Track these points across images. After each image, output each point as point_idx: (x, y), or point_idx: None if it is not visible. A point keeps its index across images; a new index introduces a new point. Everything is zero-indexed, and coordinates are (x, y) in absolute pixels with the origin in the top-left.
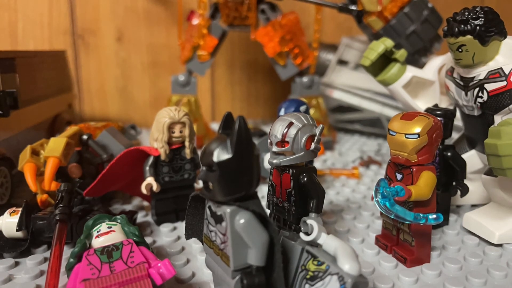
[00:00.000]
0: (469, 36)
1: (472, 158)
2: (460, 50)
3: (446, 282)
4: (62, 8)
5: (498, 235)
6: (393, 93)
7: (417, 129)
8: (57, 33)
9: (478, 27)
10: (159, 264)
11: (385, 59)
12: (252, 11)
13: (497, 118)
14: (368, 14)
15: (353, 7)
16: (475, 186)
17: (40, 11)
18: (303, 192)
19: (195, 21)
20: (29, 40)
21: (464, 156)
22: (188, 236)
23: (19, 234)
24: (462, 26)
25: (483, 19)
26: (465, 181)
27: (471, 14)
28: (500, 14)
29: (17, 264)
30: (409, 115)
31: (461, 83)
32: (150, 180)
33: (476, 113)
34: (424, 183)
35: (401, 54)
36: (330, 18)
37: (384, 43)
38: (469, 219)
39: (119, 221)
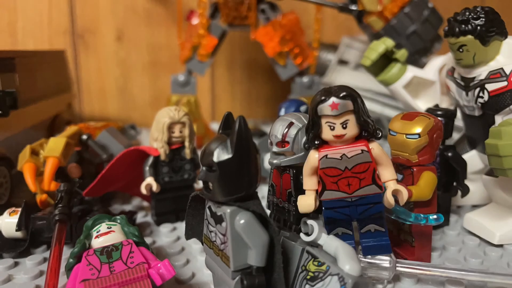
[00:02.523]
0: (470, 36)
1: (473, 159)
2: (461, 50)
3: (447, 282)
4: (62, 8)
5: (499, 235)
6: (394, 93)
7: (418, 129)
8: (57, 33)
9: (479, 27)
10: (159, 265)
11: (386, 59)
12: (252, 11)
13: (498, 118)
14: (368, 14)
15: (353, 7)
16: (476, 186)
17: (40, 11)
18: (303, 193)
19: (195, 20)
20: (29, 40)
21: (465, 156)
22: (188, 236)
23: (19, 234)
24: (463, 26)
25: (484, 19)
26: (466, 182)
27: (472, 14)
28: (501, 14)
29: (16, 264)
30: (409, 115)
31: (462, 83)
32: (149, 180)
33: (477, 113)
34: (425, 184)
35: (401, 54)
36: (331, 18)
37: (385, 43)
38: (470, 220)
39: (118, 221)
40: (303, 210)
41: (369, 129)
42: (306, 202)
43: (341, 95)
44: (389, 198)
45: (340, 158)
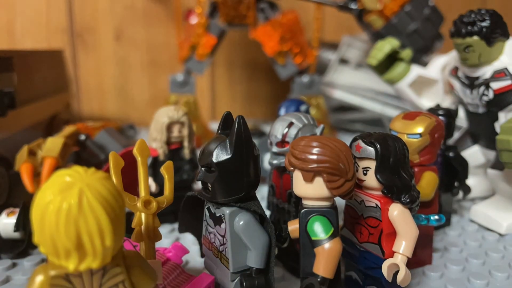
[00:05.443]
0: (476, 37)
1: (476, 153)
2: (467, 50)
3: (448, 284)
4: (60, 7)
5: (506, 225)
6: (399, 91)
7: (419, 129)
8: (55, 32)
9: (484, 29)
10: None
11: (390, 58)
12: (251, 10)
13: (501, 115)
14: (368, 13)
15: (353, 6)
16: (478, 179)
17: (38, 10)
18: None
19: (194, 20)
20: (27, 39)
21: (467, 151)
22: (181, 230)
23: (17, 235)
24: (469, 27)
25: (489, 21)
26: (469, 175)
27: (477, 16)
28: (502, 14)
29: (14, 265)
30: (411, 114)
31: (466, 82)
32: (148, 180)
33: (480, 110)
34: (426, 184)
35: (406, 53)
36: (331, 17)
37: (391, 43)
38: (477, 212)
39: None
40: None
41: (391, 189)
42: None
43: (368, 140)
44: (383, 268)
45: (359, 202)
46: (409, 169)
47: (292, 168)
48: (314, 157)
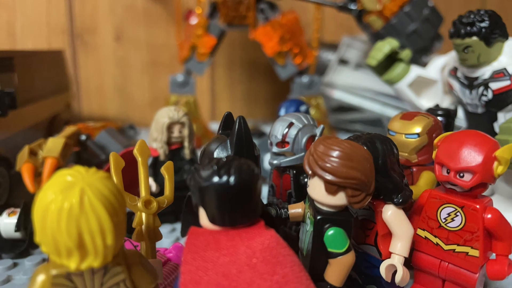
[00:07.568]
0: (475, 38)
1: None
2: (466, 51)
3: None
4: (61, 7)
5: None
6: (399, 92)
7: (417, 129)
8: (55, 32)
9: (483, 29)
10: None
11: (389, 59)
12: (251, 11)
13: (500, 115)
14: (368, 13)
15: (352, 6)
16: None
17: (39, 10)
18: (303, 193)
19: (194, 20)
20: (28, 40)
21: None
22: (185, 233)
23: (18, 234)
24: (469, 28)
25: (488, 22)
26: None
27: (477, 16)
28: (501, 15)
29: (15, 265)
30: (408, 115)
31: (466, 82)
32: (149, 180)
33: (479, 110)
34: (425, 183)
35: (406, 54)
36: (331, 17)
37: (390, 44)
38: None
39: None
40: None
41: (381, 191)
42: None
43: (356, 142)
44: (381, 270)
45: None
46: (399, 168)
47: (311, 173)
48: (343, 170)
